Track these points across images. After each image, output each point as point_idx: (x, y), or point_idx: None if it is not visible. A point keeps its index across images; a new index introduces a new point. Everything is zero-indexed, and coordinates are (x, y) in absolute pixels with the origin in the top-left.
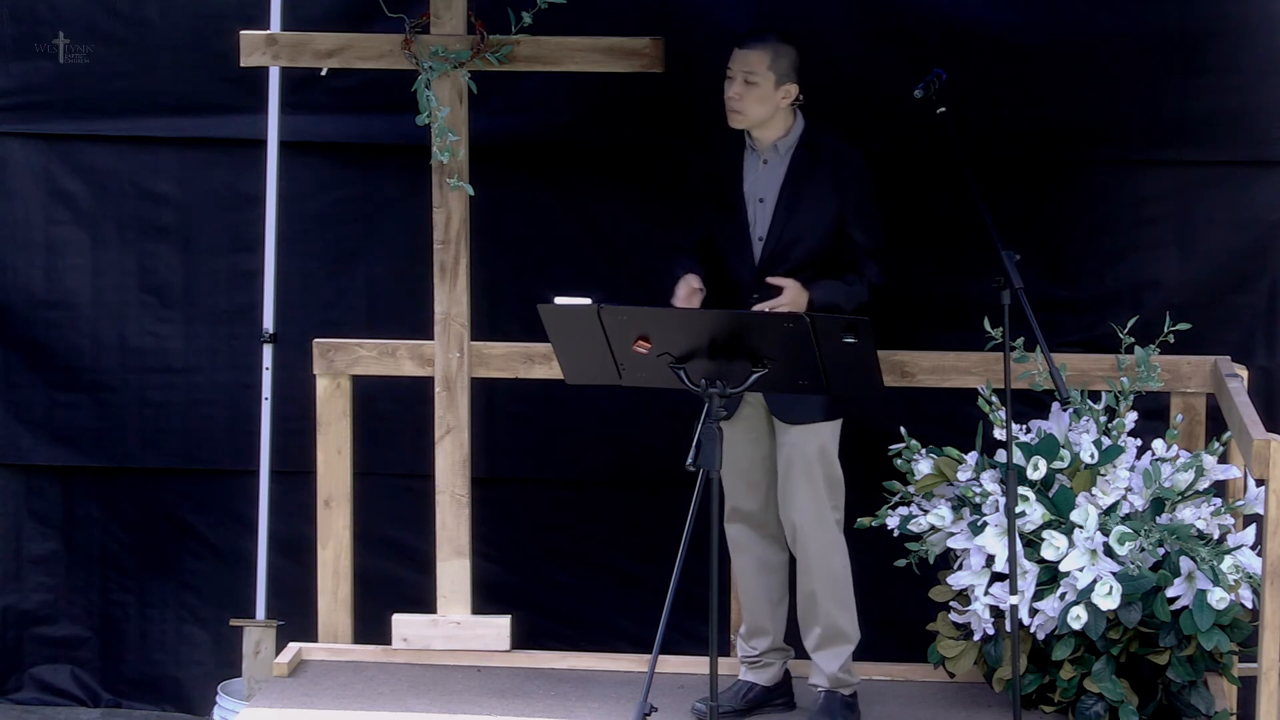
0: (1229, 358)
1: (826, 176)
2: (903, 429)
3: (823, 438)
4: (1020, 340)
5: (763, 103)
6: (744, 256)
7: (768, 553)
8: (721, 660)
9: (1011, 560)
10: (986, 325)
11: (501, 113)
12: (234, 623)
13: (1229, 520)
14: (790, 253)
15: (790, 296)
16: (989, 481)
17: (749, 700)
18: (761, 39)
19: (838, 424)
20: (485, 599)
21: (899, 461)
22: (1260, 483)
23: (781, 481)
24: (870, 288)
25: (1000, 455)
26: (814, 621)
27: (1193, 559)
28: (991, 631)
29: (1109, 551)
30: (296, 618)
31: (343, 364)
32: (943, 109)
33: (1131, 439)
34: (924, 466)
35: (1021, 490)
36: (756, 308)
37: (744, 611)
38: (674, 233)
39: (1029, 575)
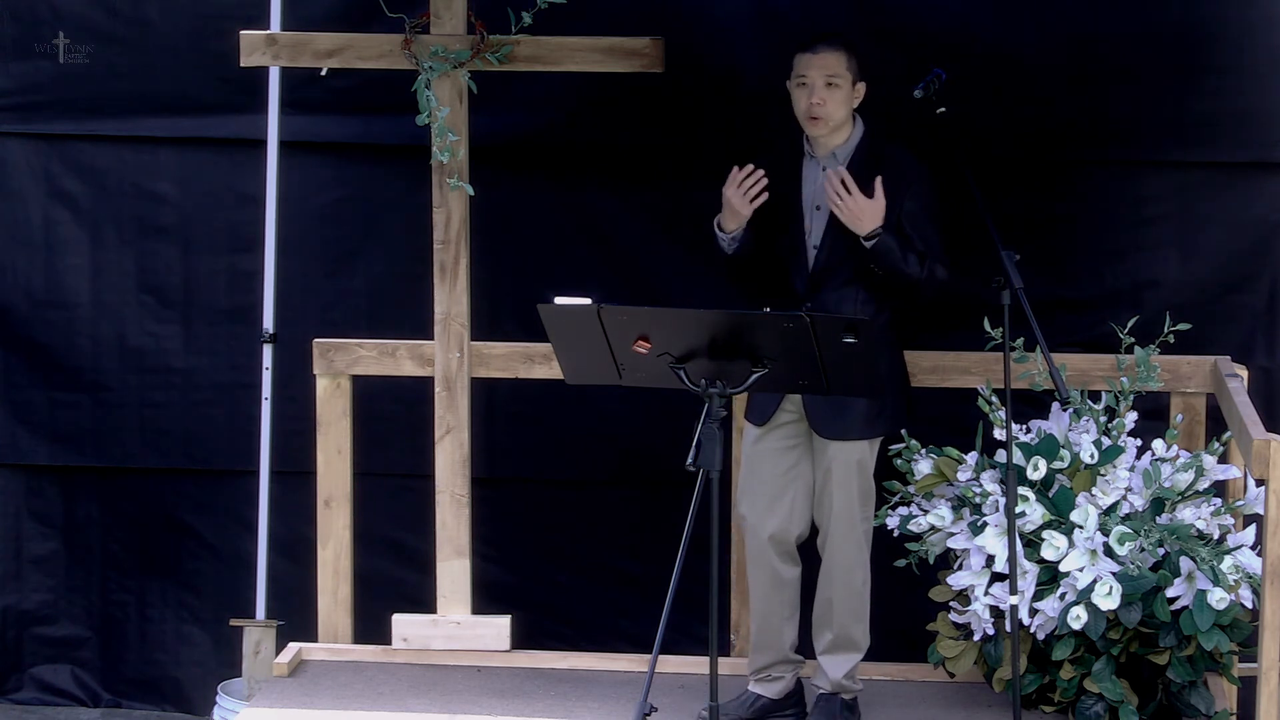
0: (1229, 358)
1: (885, 187)
2: (903, 429)
3: (861, 451)
4: (1020, 340)
5: (844, 104)
6: (799, 265)
7: (783, 569)
8: (722, 660)
9: (1011, 560)
10: (986, 325)
11: (501, 113)
12: (234, 623)
13: (1229, 520)
14: (845, 262)
15: (865, 200)
16: (989, 481)
17: (756, 709)
18: (832, 41)
19: (877, 441)
20: (485, 599)
21: (899, 461)
22: (1260, 483)
23: (818, 489)
24: (933, 277)
25: (1000, 455)
26: (827, 627)
27: (1193, 559)
28: (991, 631)
29: (1109, 551)
30: (296, 618)
31: (343, 364)
32: (943, 109)
33: (1131, 439)
34: (924, 466)
35: (1021, 490)
36: (830, 181)
37: (755, 627)
38: (676, 232)
39: (1029, 575)
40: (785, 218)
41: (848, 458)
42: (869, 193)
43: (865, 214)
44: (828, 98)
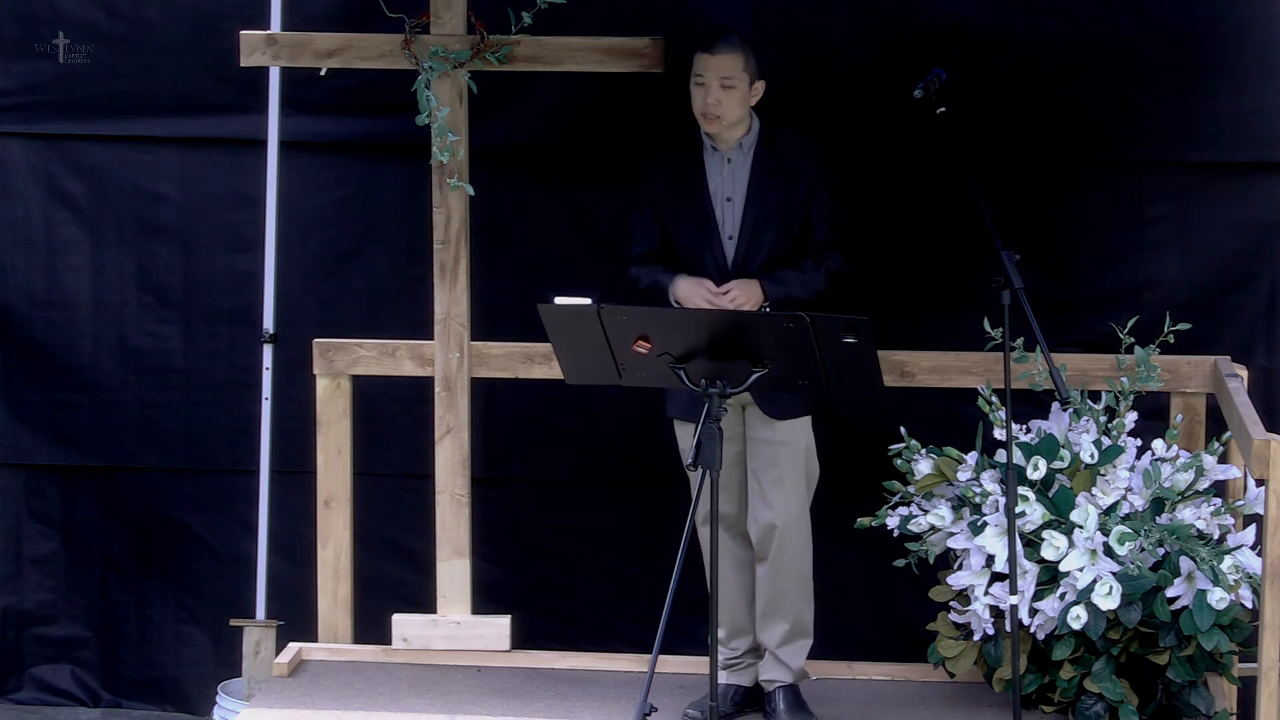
0: (1229, 358)
1: (789, 169)
2: (903, 429)
3: (808, 433)
4: (1020, 340)
5: (741, 104)
6: (715, 258)
7: (740, 552)
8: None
9: (1011, 560)
10: (986, 325)
11: (502, 112)
12: (234, 623)
13: (1229, 520)
14: (761, 250)
15: (740, 291)
16: (989, 481)
17: (735, 703)
18: (730, 42)
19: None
20: (485, 599)
21: (899, 461)
22: (1260, 483)
23: (763, 480)
24: (829, 275)
25: (1000, 455)
26: (782, 618)
27: (1193, 559)
28: (991, 631)
29: (1109, 551)
30: (296, 618)
31: (343, 364)
32: (943, 109)
33: (1131, 439)
34: (924, 466)
35: (1021, 490)
36: (724, 303)
37: (725, 617)
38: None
39: (1029, 575)
40: (696, 214)
41: (798, 443)
42: (774, 193)
43: (751, 295)
44: (724, 98)
